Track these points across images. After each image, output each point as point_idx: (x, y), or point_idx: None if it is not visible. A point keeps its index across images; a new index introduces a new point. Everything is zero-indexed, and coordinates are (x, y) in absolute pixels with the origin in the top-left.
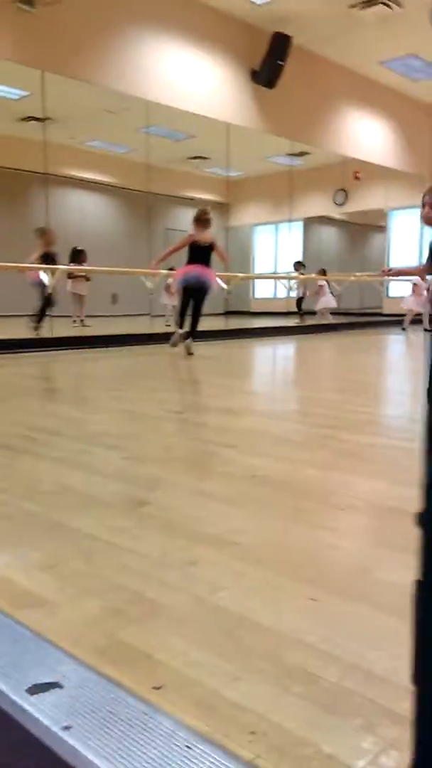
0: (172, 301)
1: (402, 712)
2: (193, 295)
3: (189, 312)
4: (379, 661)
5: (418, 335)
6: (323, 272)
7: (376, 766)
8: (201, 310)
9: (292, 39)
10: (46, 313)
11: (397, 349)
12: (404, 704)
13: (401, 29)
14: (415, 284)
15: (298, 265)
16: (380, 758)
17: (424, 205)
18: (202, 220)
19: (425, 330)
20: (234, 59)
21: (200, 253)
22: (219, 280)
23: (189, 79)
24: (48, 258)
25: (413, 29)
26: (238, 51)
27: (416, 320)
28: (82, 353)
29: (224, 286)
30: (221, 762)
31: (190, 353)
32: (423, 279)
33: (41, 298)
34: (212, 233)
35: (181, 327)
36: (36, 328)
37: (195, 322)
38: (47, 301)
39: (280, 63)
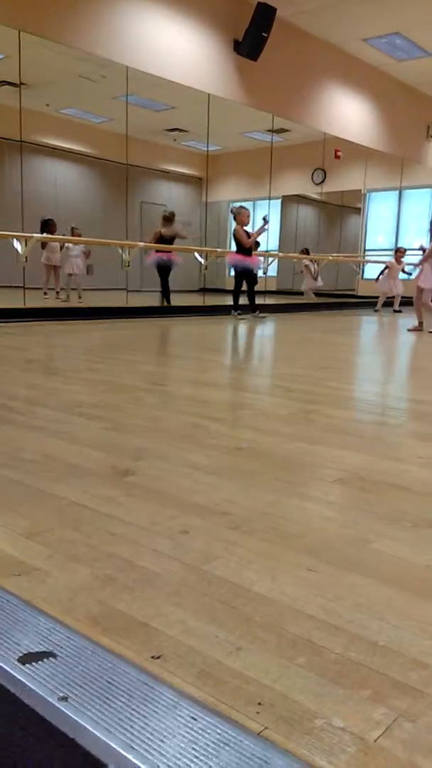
0: None
1: (411, 683)
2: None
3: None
4: (383, 632)
5: (390, 316)
6: (306, 252)
7: (391, 738)
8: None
9: (277, 11)
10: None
11: (372, 329)
12: (412, 675)
13: (386, 6)
14: (388, 267)
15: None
16: (393, 730)
17: None
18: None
19: (394, 311)
20: (216, 28)
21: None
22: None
23: (170, 46)
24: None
25: (398, 7)
26: (220, 19)
27: (387, 302)
28: (58, 325)
29: (201, 260)
30: (229, 734)
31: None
32: None
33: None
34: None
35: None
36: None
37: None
38: None
39: (264, 35)
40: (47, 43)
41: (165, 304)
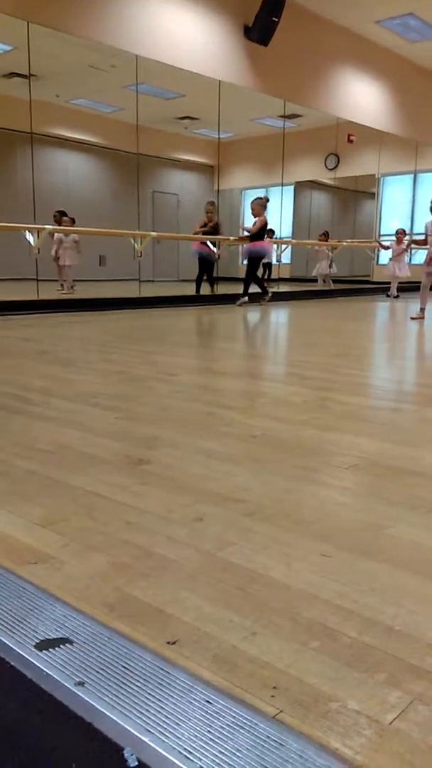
0: None
1: (426, 666)
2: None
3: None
4: (398, 617)
5: (403, 302)
6: (326, 235)
7: (406, 720)
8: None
9: None
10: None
11: (386, 315)
12: (428, 659)
13: None
14: (388, 248)
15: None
16: (408, 713)
17: None
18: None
19: (388, 295)
20: (226, 14)
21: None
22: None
23: (179, 33)
24: None
25: None
26: (230, 5)
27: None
28: (71, 316)
29: (214, 250)
30: (244, 717)
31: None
32: None
33: None
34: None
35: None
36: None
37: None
38: None
39: (275, 20)
40: (56, 34)
41: (198, 293)
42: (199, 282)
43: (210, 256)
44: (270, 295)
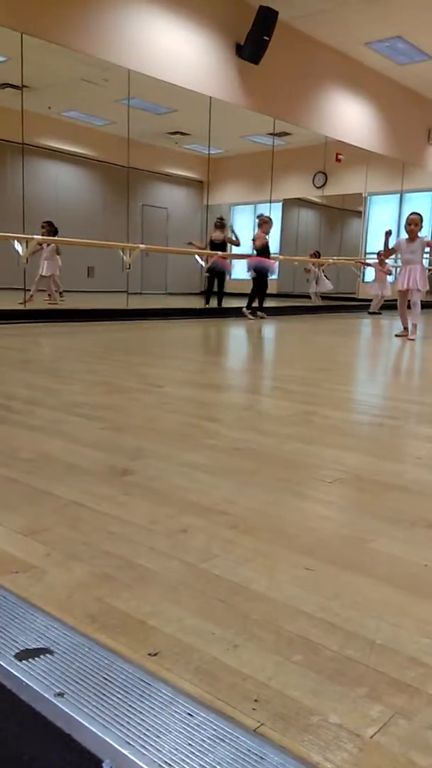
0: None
1: (407, 680)
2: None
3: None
4: (379, 630)
5: (386, 319)
6: (317, 255)
7: (387, 734)
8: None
9: (279, 14)
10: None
11: (368, 331)
12: (409, 673)
13: (388, 10)
14: (371, 267)
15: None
16: (389, 727)
17: None
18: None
19: (371, 312)
20: (218, 31)
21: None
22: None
23: (172, 49)
24: None
25: (399, 11)
26: (222, 23)
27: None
28: (58, 326)
29: (202, 263)
30: (225, 730)
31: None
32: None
33: None
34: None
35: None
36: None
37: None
38: None
39: (266, 38)
40: (50, 46)
41: (206, 305)
42: (208, 294)
43: (222, 266)
44: (257, 316)
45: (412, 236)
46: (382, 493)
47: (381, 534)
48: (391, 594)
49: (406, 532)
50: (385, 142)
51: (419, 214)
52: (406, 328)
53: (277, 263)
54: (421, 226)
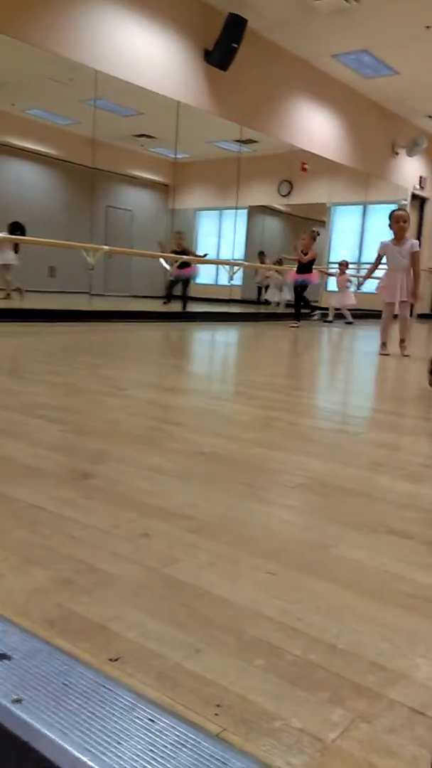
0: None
1: (368, 684)
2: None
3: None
4: (341, 635)
5: (343, 327)
6: (280, 262)
7: (348, 738)
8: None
9: (248, 22)
10: None
11: (330, 339)
12: (370, 677)
13: (355, 24)
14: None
15: (261, 255)
16: (350, 731)
17: None
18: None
19: (346, 323)
20: (187, 36)
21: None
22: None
23: (140, 52)
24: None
25: (367, 25)
26: (192, 28)
27: (338, 314)
28: (17, 326)
29: (167, 267)
30: (187, 735)
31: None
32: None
33: None
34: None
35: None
36: None
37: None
38: None
39: (234, 46)
40: (14, 43)
41: (165, 303)
42: (172, 297)
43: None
44: (299, 324)
45: (400, 236)
46: (345, 498)
47: (343, 539)
48: (352, 599)
49: (367, 537)
50: (350, 154)
51: (406, 211)
52: (385, 344)
53: (318, 274)
54: (409, 224)
